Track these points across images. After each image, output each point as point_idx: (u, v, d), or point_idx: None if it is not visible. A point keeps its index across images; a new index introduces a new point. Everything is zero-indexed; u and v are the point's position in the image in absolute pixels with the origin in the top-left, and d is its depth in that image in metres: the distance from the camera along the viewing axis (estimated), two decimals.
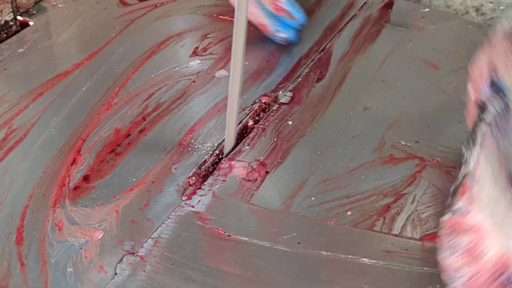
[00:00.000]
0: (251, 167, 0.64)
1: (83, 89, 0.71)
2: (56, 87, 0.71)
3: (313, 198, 0.61)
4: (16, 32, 0.78)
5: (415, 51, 0.78)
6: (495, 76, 0.57)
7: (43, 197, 0.60)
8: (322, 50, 0.79)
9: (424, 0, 0.90)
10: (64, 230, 0.57)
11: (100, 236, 0.57)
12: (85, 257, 0.55)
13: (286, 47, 0.78)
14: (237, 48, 0.60)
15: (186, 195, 0.61)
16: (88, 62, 0.75)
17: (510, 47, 0.58)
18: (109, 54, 0.76)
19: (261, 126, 0.69)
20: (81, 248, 0.56)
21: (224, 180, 0.63)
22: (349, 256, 0.56)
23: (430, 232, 0.58)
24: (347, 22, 0.84)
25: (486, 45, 0.59)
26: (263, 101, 0.72)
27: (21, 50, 0.76)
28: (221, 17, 0.83)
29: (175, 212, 0.59)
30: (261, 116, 0.71)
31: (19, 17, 0.79)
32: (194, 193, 0.61)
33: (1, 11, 0.76)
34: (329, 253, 0.56)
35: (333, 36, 0.81)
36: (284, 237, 0.58)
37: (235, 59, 0.60)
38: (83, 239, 0.57)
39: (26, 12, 0.81)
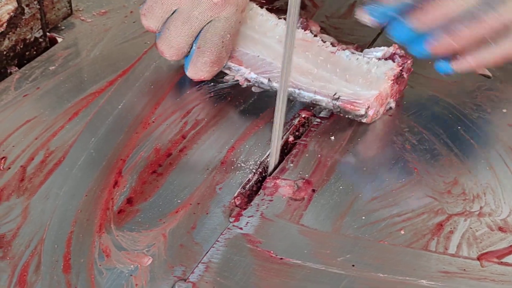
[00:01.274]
0: (297, 185, 0.62)
1: (119, 107, 0.70)
2: (91, 106, 0.69)
3: (363, 218, 0.60)
4: (46, 49, 0.77)
5: None
6: None
7: (87, 222, 0.58)
8: None
9: None
10: (112, 256, 0.56)
11: (149, 262, 0.55)
12: (136, 285, 0.54)
13: None
14: (286, 63, 0.58)
15: (233, 217, 0.59)
16: (121, 79, 0.73)
17: None
18: (142, 70, 0.74)
19: (302, 142, 0.67)
20: (131, 275, 0.54)
21: (270, 200, 0.61)
22: (407, 278, 0.55)
23: (486, 250, 0.57)
24: (380, 32, 0.82)
25: None
26: (303, 116, 0.70)
27: (53, 67, 0.74)
28: None
29: (223, 235, 0.58)
30: (301, 131, 0.69)
31: (48, 34, 0.78)
32: (241, 214, 0.60)
33: (31, 28, 0.74)
34: (385, 275, 0.55)
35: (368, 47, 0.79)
36: (338, 259, 0.56)
37: (283, 74, 0.59)
38: (132, 266, 0.55)
39: (55, 28, 0.79)
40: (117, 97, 0.71)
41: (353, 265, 0.56)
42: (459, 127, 0.69)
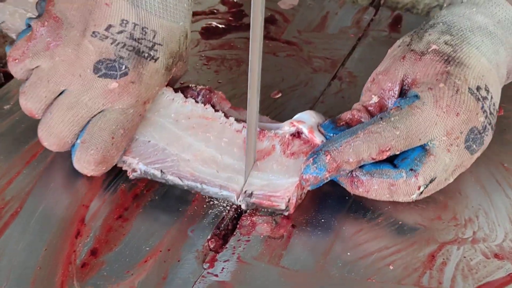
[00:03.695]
0: (275, 221, 0.58)
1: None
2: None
3: (348, 253, 0.55)
4: (1, 85, 0.72)
5: None
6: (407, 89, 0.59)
7: (47, 279, 0.53)
8: (334, 78, 0.73)
9: (432, 13, 0.85)
10: None
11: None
12: None
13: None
14: (252, 96, 0.54)
15: (207, 262, 0.54)
16: None
17: (442, 69, 0.58)
18: None
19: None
20: None
21: (247, 240, 0.56)
22: None
23: (483, 282, 0.53)
24: (356, 44, 0.78)
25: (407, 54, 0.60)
26: None
27: (7, 106, 0.69)
28: None
29: (197, 284, 0.53)
30: None
31: (2, 68, 0.73)
32: (215, 259, 0.55)
33: None
34: None
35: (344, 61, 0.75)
36: None
37: (250, 109, 0.54)
38: None
39: None
40: None
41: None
42: None
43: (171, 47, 0.61)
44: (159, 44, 0.60)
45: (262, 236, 0.57)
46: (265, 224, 0.58)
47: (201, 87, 0.63)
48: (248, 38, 0.52)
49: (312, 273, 0.54)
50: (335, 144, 0.56)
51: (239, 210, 0.59)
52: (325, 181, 0.57)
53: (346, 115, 0.60)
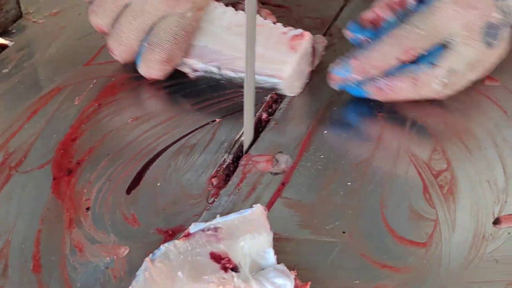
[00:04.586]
0: (276, 159, 0.59)
1: (76, 103, 0.66)
2: (50, 103, 0.66)
3: (349, 184, 0.57)
4: None
5: None
6: None
7: (56, 218, 0.54)
8: (324, 34, 0.75)
9: None
10: (85, 250, 0.52)
11: (126, 252, 0.51)
12: (114, 277, 0.50)
13: None
14: (249, 41, 0.55)
15: (211, 196, 0.56)
16: (82, 74, 0.69)
17: None
18: (102, 63, 0.71)
19: (276, 118, 0.64)
20: (107, 268, 0.50)
21: (248, 176, 0.58)
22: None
23: None
24: (344, 5, 0.80)
25: None
26: (275, 92, 0.67)
27: (6, 70, 0.70)
28: None
29: (203, 216, 0.54)
30: (274, 108, 0.66)
31: None
32: (218, 193, 0.56)
33: None
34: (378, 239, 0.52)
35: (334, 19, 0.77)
36: (327, 227, 0.53)
37: (248, 52, 0.56)
38: (107, 258, 0.51)
39: (5, 33, 0.75)
40: (78, 92, 0.67)
41: (343, 232, 0.53)
42: None
43: None
44: None
45: (263, 172, 0.58)
46: (266, 162, 0.59)
47: None
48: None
49: (314, 202, 0.55)
50: (363, 51, 0.61)
51: (239, 154, 0.61)
52: (349, 83, 0.62)
53: (369, 14, 0.63)
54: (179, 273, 0.45)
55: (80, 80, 0.69)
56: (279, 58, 0.65)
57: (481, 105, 0.65)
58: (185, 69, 0.67)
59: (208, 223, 0.48)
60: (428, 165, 0.58)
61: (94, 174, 0.58)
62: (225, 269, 0.45)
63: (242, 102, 0.58)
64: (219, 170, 0.59)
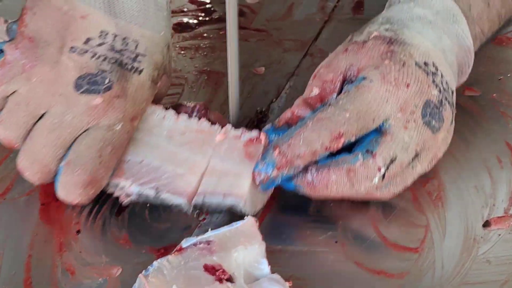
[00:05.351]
0: None
1: None
2: None
3: None
4: None
5: None
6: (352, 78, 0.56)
7: (45, 243, 0.54)
8: (305, 55, 0.76)
9: None
10: (77, 273, 0.51)
11: (119, 272, 0.51)
12: None
13: None
14: (232, 62, 0.56)
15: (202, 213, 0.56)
16: None
17: (386, 49, 0.55)
18: None
19: None
20: None
21: None
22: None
23: None
24: (323, 27, 0.81)
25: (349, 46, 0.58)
26: (259, 111, 0.68)
27: None
28: None
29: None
30: (260, 127, 0.67)
31: None
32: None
33: None
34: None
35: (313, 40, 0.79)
36: (320, 238, 0.53)
37: (231, 71, 0.56)
38: (100, 279, 0.51)
39: None
40: None
41: (336, 241, 0.53)
42: None
43: (155, 58, 0.57)
44: (143, 55, 0.56)
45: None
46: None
47: (195, 103, 0.59)
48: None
49: (306, 214, 0.56)
50: (284, 138, 0.53)
51: None
52: (276, 180, 0.52)
53: (286, 114, 0.56)
54: (174, 286, 0.44)
55: None
56: (233, 170, 0.54)
57: (463, 115, 0.66)
58: (117, 193, 0.56)
59: (200, 237, 0.48)
60: None
61: None
62: (220, 280, 0.45)
63: None
64: None
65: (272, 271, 0.48)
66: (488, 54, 0.74)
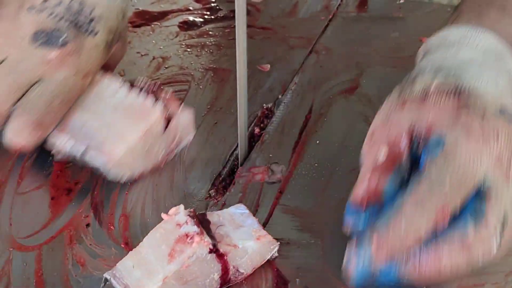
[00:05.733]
0: (272, 170, 0.60)
1: None
2: None
3: (345, 188, 0.57)
4: None
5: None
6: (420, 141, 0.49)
7: (56, 236, 0.54)
8: (310, 52, 0.77)
9: None
10: (87, 264, 0.52)
11: None
12: None
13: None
14: (240, 59, 0.56)
15: (210, 208, 0.57)
16: None
17: (457, 104, 0.49)
18: None
19: (268, 131, 0.65)
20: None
21: (246, 187, 0.58)
22: None
23: None
24: (328, 24, 0.82)
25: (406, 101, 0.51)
26: (265, 107, 0.69)
27: None
28: None
29: None
30: (265, 122, 0.68)
31: None
32: (216, 204, 0.57)
33: None
34: None
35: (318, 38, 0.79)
36: (326, 230, 0.54)
37: (239, 68, 0.57)
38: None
39: None
40: None
41: (343, 233, 0.53)
42: None
43: (109, 24, 0.61)
44: (98, 19, 0.60)
45: (260, 183, 0.59)
46: (261, 173, 0.60)
47: (150, 81, 0.62)
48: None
49: (312, 207, 0.56)
50: (380, 225, 0.46)
51: (234, 167, 0.62)
52: (374, 277, 0.46)
53: (360, 189, 0.49)
54: None
55: None
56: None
57: None
58: (54, 149, 0.60)
59: None
60: None
61: (92, 193, 0.59)
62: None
63: None
64: (216, 183, 0.60)
65: (279, 263, 0.49)
66: None
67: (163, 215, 0.50)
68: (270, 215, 0.56)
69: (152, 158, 0.60)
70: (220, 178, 0.60)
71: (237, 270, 0.49)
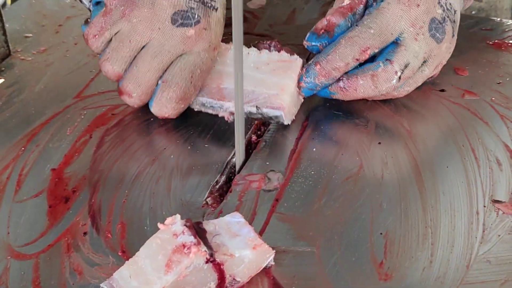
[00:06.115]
0: (268, 178, 0.60)
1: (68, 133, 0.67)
2: (43, 134, 0.67)
3: (340, 196, 0.58)
4: None
5: None
6: None
7: (54, 244, 0.55)
8: (307, 59, 0.77)
9: None
10: (85, 273, 0.52)
11: None
12: None
13: None
14: (237, 68, 0.57)
15: (207, 215, 0.57)
16: (72, 106, 0.71)
17: None
18: (90, 96, 0.72)
19: (265, 139, 0.66)
20: None
21: (243, 195, 0.59)
22: None
23: None
24: None
25: None
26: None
27: None
28: None
29: None
30: (262, 130, 0.68)
31: None
32: (213, 212, 0.57)
33: None
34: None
35: None
36: (323, 239, 0.54)
37: (236, 75, 0.57)
38: (107, 279, 0.51)
39: None
40: (69, 123, 0.68)
41: (339, 242, 0.54)
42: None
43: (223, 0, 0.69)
44: None
45: (256, 191, 0.59)
46: (258, 181, 0.60)
47: (271, 40, 0.71)
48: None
49: (308, 215, 0.56)
50: (323, 55, 0.65)
51: (231, 174, 0.62)
52: (316, 88, 0.66)
53: (322, 23, 0.67)
54: None
55: (71, 112, 0.70)
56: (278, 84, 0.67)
57: (462, 118, 0.67)
58: (222, 113, 0.67)
59: None
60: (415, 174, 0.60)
61: (90, 201, 0.59)
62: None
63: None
64: (213, 190, 0.60)
65: (276, 271, 0.49)
66: (487, 58, 0.76)
67: (160, 225, 0.50)
68: (266, 223, 0.56)
69: (299, 101, 0.69)
70: (217, 186, 0.60)
71: (234, 279, 0.50)
